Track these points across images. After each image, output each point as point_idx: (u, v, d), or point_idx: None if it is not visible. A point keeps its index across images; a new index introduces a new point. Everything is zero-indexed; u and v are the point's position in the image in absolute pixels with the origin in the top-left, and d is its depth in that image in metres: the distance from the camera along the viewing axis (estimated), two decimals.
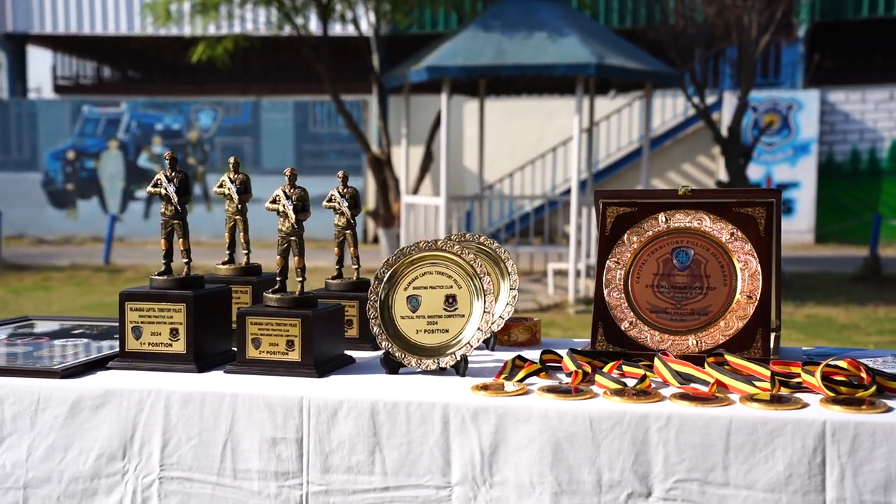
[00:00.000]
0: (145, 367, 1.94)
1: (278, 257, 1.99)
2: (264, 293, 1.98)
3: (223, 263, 2.28)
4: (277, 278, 1.99)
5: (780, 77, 17.16)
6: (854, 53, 17.85)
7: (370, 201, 17.67)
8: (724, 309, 1.97)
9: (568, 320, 9.05)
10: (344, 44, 16.39)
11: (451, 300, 1.95)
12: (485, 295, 1.93)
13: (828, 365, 1.69)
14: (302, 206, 1.97)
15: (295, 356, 1.90)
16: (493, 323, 1.96)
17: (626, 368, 1.87)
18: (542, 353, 1.99)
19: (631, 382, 1.79)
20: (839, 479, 1.52)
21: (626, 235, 2.07)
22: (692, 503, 1.58)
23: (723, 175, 15.38)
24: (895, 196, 16.75)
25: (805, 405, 1.60)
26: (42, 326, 2.42)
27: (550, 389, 1.74)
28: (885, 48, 17.83)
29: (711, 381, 1.74)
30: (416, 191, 12.38)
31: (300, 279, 1.98)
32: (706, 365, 1.79)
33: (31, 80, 23.69)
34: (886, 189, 16.74)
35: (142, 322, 1.95)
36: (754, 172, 15.67)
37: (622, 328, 2.02)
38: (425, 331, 1.95)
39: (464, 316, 1.94)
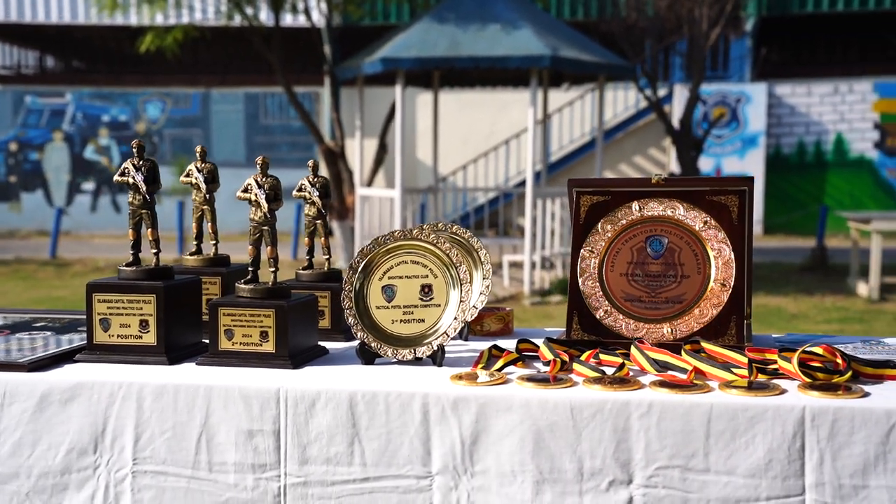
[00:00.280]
0: (114, 360, 1.90)
1: (250, 247, 1.96)
2: (236, 284, 1.95)
3: (191, 254, 2.24)
4: (250, 268, 1.96)
5: (728, 70, 17.39)
6: (800, 47, 18.15)
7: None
8: (698, 297, 1.98)
9: (524, 312, 9.08)
10: (295, 35, 16.24)
11: (426, 290, 1.93)
12: (461, 284, 1.92)
13: (804, 351, 1.71)
14: (274, 195, 1.94)
15: (269, 347, 1.87)
16: (468, 312, 1.95)
17: (602, 357, 1.87)
18: (518, 343, 1.99)
19: (608, 371, 1.79)
20: (818, 464, 1.53)
21: (599, 224, 2.07)
22: (673, 490, 1.59)
23: (674, 167, 15.55)
24: (839, 188, 17.09)
25: (783, 391, 1.61)
26: (3, 319, 2.36)
27: (530, 378, 1.73)
28: (830, 42, 18.16)
29: (689, 368, 1.75)
30: (370, 183, 12.33)
31: (273, 269, 1.95)
32: (683, 352, 1.80)
33: None
34: (831, 181, 17.08)
35: (110, 314, 1.91)
36: (704, 164, 15.86)
37: (597, 317, 2.02)
38: (401, 321, 1.93)
39: (440, 305, 1.93)
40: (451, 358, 1.97)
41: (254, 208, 1.95)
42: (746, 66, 17.23)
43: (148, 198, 1.95)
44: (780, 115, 16.95)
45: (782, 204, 17.00)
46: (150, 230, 1.97)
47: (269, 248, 1.95)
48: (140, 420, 1.75)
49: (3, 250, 15.06)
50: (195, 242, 2.24)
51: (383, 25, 16.45)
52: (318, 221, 2.20)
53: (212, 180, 2.21)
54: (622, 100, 16.76)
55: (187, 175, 2.21)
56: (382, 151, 12.23)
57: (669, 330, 1.97)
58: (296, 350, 1.90)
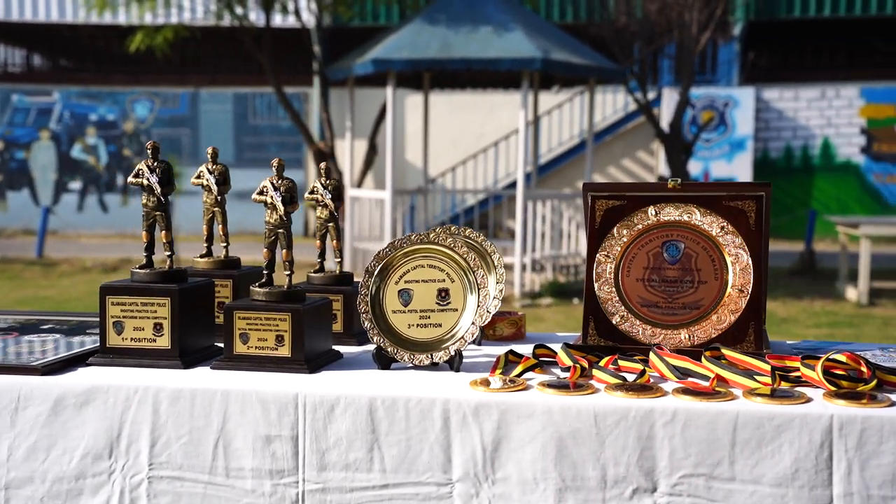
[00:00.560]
0: (128, 364, 1.87)
1: (265, 250, 1.94)
2: (251, 287, 1.93)
3: (201, 256, 2.21)
4: (265, 271, 1.94)
5: (716, 74, 17.44)
6: (787, 52, 18.23)
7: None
8: (715, 303, 1.97)
9: None
10: (284, 35, 16.19)
11: (443, 294, 1.92)
12: (479, 289, 1.90)
13: (827, 359, 1.70)
14: (290, 197, 1.93)
15: (285, 351, 1.85)
16: (484, 317, 1.93)
17: (622, 363, 1.86)
18: (535, 348, 1.97)
19: (628, 377, 1.78)
20: (846, 474, 1.52)
21: (615, 229, 2.06)
22: (698, 498, 1.58)
23: (663, 170, 15.59)
24: (826, 192, 17.17)
25: (809, 399, 1.60)
26: (6, 321, 2.33)
27: (551, 385, 1.72)
28: (817, 47, 18.24)
29: (709, 375, 1.74)
30: (359, 184, 12.29)
31: (288, 272, 1.93)
32: (703, 359, 1.79)
33: None
34: (818, 185, 17.15)
35: (124, 317, 1.89)
36: (692, 168, 15.90)
37: (613, 322, 2.01)
38: (418, 325, 1.91)
39: (457, 310, 1.91)
40: (466, 363, 1.95)
41: (269, 211, 1.93)
42: (734, 71, 17.29)
43: (162, 199, 1.93)
44: (768, 119, 17.02)
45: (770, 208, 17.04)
46: (163, 232, 1.95)
47: (284, 250, 1.93)
48: (156, 425, 1.73)
49: None
50: (206, 245, 2.22)
51: (373, 27, 16.42)
52: (330, 224, 2.18)
53: (223, 182, 2.18)
54: (611, 103, 16.79)
55: (198, 177, 2.18)
56: (372, 153, 12.20)
57: (687, 336, 1.96)
58: (311, 354, 1.88)
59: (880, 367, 1.69)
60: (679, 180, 2.04)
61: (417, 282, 1.92)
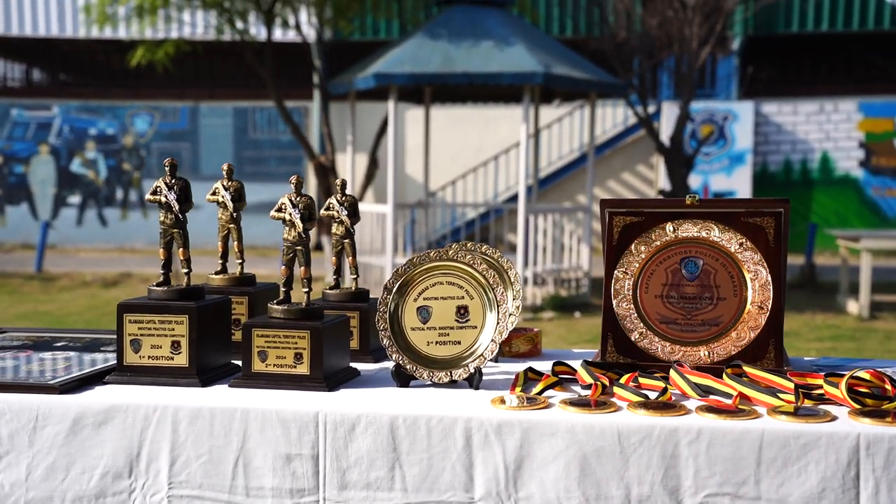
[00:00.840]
0: (145, 382, 1.86)
1: (283, 267, 1.94)
2: (269, 304, 1.92)
3: (216, 273, 2.20)
4: (283, 289, 1.93)
5: (715, 88, 17.49)
6: (786, 67, 18.28)
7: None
8: (735, 319, 1.97)
9: None
10: (284, 49, 16.23)
11: (462, 311, 1.91)
12: (498, 306, 1.89)
13: (851, 377, 1.69)
14: (309, 214, 1.92)
15: (303, 369, 1.84)
16: (504, 334, 1.92)
17: (642, 380, 1.85)
18: (554, 365, 1.96)
19: (649, 394, 1.77)
20: (873, 493, 1.51)
21: (633, 245, 2.05)
22: None
23: (662, 184, 15.61)
24: (825, 206, 17.18)
25: (834, 418, 1.60)
26: (18, 339, 2.31)
27: (573, 403, 1.71)
28: (815, 62, 18.30)
29: (731, 392, 1.73)
30: (360, 198, 12.29)
31: (306, 290, 1.92)
32: (724, 376, 1.78)
33: None
34: (817, 199, 17.16)
35: (141, 335, 1.88)
36: (692, 182, 15.92)
37: (632, 339, 2.00)
38: (437, 342, 1.90)
39: (476, 327, 1.90)
40: (485, 380, 1.94)
41: (288, 228, 1.92)
42: (733, 85, 17.33)
43: (181, 217, 1.92)
44: (767, 133, 17.05)
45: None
46: (181, 249, 1.94)
47: (302, 267, 1.92)
48: (175, 443, 1.72)
49: None
50: (220, 261, 2.21)
51: (373, 41, 16.46)
52: (346, 241, 2.18)
53: (238, 198, 2.18)
54: (610, 117, 16.81)
55: (214, 193, 2.17)
56: (373, 167, 12.21)
57: (707, 353, 1.95)
58: (330, 372, 1.87)
59: None
60: (697, 197, 2.03)
61: (436, 299, 1.91)
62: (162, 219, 1.94)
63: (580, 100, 12.91)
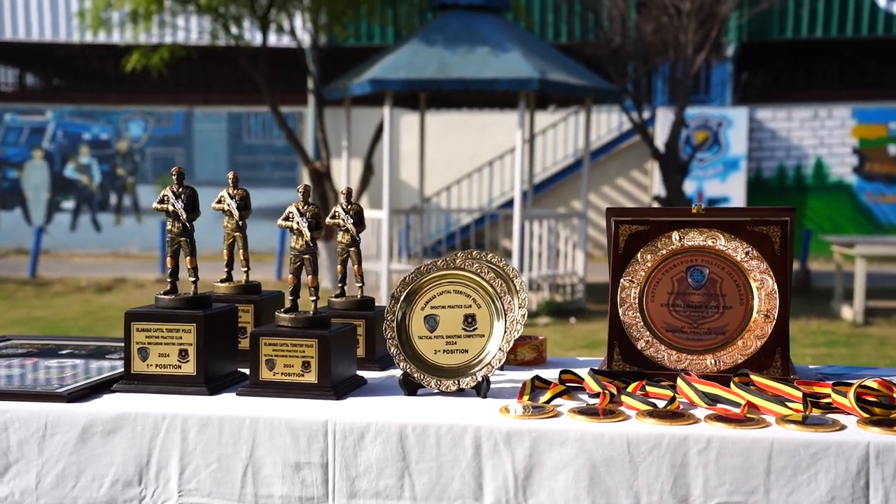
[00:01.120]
0: (153, 390, 1.86)
1: (290, 276, 1.94)
2: (276, 313, 1.92)
3: (222, 281, 2.20)
4: (290, 297, 1.93)
5: (710, 94, 17.54)
6: (780, 73, 18.34)
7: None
8: (741, 328, 1.97)
9: None
10: (278, 54, 16.24)
11: (470, 320, 1.91)
12: (505, 314, 1.90)
13: (859, 385, 1.70)
14: (316, 223, 1.92)
15: (311, 378, 1.84)
16: (511, 343, 1.92)
17: (650, 389, 1.86)
18: (561, 373, 1.97)
19: (657, 403, 1.77)
20: (883, 503, 1.52)
21: (639, 253, 2.06)
22: None
23: (657, 190, 15.64)
24: (819, 212, 17.23)
25: (843, 427, 1.60)
26: (23, 347, 2.31)
27: (582, 411, 1.71)
28: (809, 68, 18.37)
29: (739, 401, 1.74)
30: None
31: (314, 298, 1.93)
32: (732, 385, 1.79)
33: None
34: (811, 205, 17.21)
35: (149, 343, 1.88)
36: (686, 187, 15.95)
37: (638, 347, 2.01)
38: (444, 351, 1.91)
39: (483, 336, 1.91)
40: (491, 389, 1.94)
41: (295, 237, 1.92)
42: (728, 91, 17.39)
43: (188, 225, 1.92)
44: (761, 139, 17.10)
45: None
46: (188, 258, 1.94)
47: (310, 276, 1.92)
48: (185, 452, 1.72)
49: None
50: (226, 269, 2.21)
51: (367, 46, 16.47)
52: (352, 249, 2.18)
53: (244, 207, 2.18)
54: (605, 123, 16.85)
55: (219, 201, 2.18)
56: (368, 172, 12.21)
57: (713, 361, 1.96)
58: (338, 380, 1.87)
59: None
60: (703, 205, 2.04)
61: (444, 307, 1.92)
62: (169, 227, 1.94)
63: (575, 105, 12.94)
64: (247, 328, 2.12)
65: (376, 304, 2.22)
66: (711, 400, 1.78)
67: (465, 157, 16.85)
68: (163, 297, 1.92)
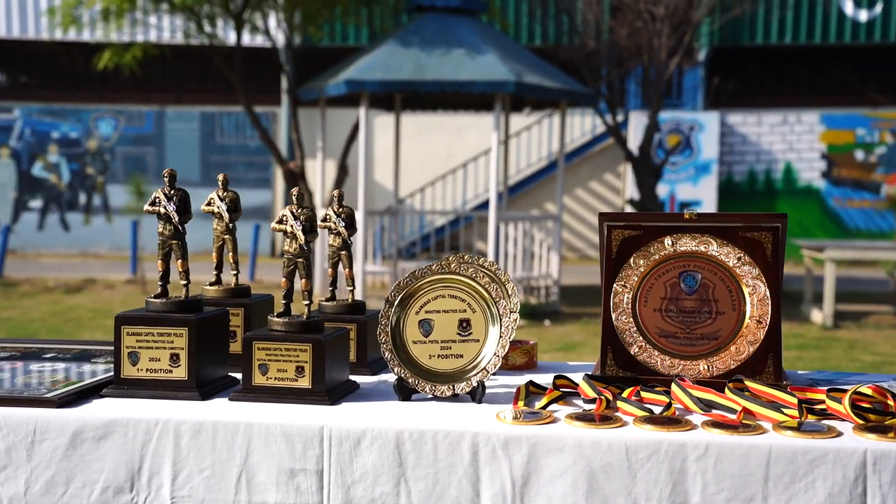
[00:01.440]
0: (144, 395, 1.83)
1: (284, 280, 1.92)
2: (269, 317, 1.90)
3: (211, 284, 2.18)
4: (283, 301, 1.91)
5: (682, 99, 17.66)
6: (750, 78, 18.51)
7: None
8: (733, 334, 1.98)
9: None
10: (251, 54, 16.15)
11: (465, 324, 1.90)
12: (500, 319, 1.89)
13: (854, 392, 1.71)
14: (310, 226, 1.90)
15: (305, 383, 1.83)
16: (506, 348, 1.92)
17: (644, 394, 1.86)
18: (556, 379, 1.96)
19: (653, 409, 1.77)
20: None
21: (632, 259, 2.06)
22: None
23: (629, 193, 15.72)
24: (788, 216, 17.38)
25: (839, 433, 1.61)
26: (5, 350, 2.27)
27: (579, 417, 1.71)
28: (779, 74, 18.55)
29: (734, 407, 1.74)
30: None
31: (307, 302, 1.91)
32: (727, 391, 1.79)
33: None
34: (781, 208, 17.36)
35: (139, 347, 1.85)
36: (658, 191, 16.05)
37: (632, 353, 2.01)
38: (438, 356, 1.90)
39: (479, 341, 1.90)
40: (486, 394, 1.93)
41: (289, 240, 1.90)
42: (699, 95, 17.52)
43: (180, 228, 1.90)
44: (732, 143, 17.24)
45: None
46: (179, 261, 1.92)
47: (303, 280, 1.90)
48: (178, 458, 1.70)
49: None
50: (215, 272, 2.19)
51: (342, 47, 16.42)
52: (343, 252, 2.16)
53: (234, 209, 2.16)
54: (578, 126, 16.91)
55: (209, 204, 2.15)
56: (343, 173, 12.16)
57: (706, 367, 1.96)
58: (332, 385, 1.85)
59: None
60: (696, 211, 2.05)
61: (438, 312, 1.91)
62: (160, 230, 1.91)
63: (550, 108, 12.97)
64: (237, 332, 2.10)
65: None
66: (706, 406, 1.78)
67: (439, 158, 16.85)
68: (154, 300, 1.90)
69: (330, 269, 2.19)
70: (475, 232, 12.23)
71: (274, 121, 17.17)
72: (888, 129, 17.11)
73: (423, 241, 14.59)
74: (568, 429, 1.66)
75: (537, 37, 17.52)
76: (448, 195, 16.22)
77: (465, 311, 1.90)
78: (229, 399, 1.84)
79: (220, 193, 2.16)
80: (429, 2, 10.76)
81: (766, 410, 1.70)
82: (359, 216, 10.43)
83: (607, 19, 13.58)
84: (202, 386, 1.85)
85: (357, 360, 2.12)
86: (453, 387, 1.86)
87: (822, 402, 1.76)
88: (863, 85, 17.69)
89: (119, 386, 1.85)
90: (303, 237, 1.89)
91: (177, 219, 1.90)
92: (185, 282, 1.93)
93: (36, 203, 18.21)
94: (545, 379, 2.04)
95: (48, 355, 2.20)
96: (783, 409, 1.70)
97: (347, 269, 2.16)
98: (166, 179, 1.92)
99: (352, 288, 2.17)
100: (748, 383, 1.83)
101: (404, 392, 1.88)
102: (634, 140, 15.27)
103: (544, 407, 1.80)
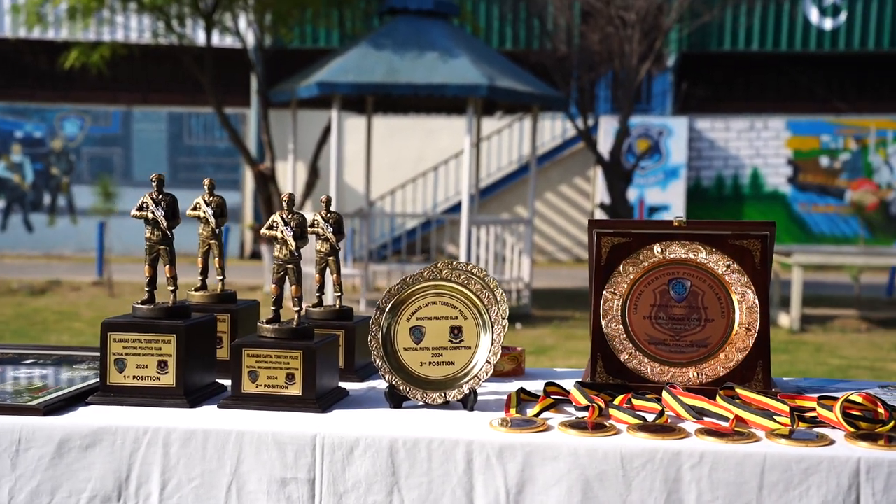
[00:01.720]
0: (131, 402, 1.80)
1: (273, 286, 1.90)
2: (258, 323, 1.88)
3: (196, 290, 2.15)
4: (272, 307, 1.89)
5: (651, 104, 17.78)
6: (718, 84, 18.68)
7: (248, 216, 17.30)
8: (723, 341, 1.99)
9: None
10: (220, 55, 16.03)
11: (456, 331, 1.89)
12: (492, 326, 1.88)
13: (845, 400, 1.72)
14: (301, 232, 1.89)
15: (295, 390, 1.81)
16: (498, 355, 1.91)
17: (636, 402, 1.86)
18: (546, 386, 1.96)
19: (646, 417, 1.77)
20: None
21: (621, 266, 2.06)
22: None
23: (599, 197, 15.80)
24: (755, 220, 17.58)
25: (832, 442, 1.62)
26: None
27: (572, 425, 1.70)
28: (746, 80, 18.74)
29: (726, 415, 1.74)
30: (301, 207, 12.18)
31: (297, 308, 1.89)
32: (718, 398, 1.80)
33: None
34: (748, 213, 17.55)
35: (126, 354, 1.82)
36: (628, 195, 16.15)
37: (622, 360, 2.01)
38: (430, 363, 1.88)
39: (470, 348, 1.89)
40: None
41: (279, 246, 1.88)
42: (668, 101, 17.65)
43: (168, 233, 1.87)
44: (701, 148, 17.39)
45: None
46: (167, 267, 1.89)
47: (293, 286, 1.88)
48: (167, 467, 1.67)
49: None
50: (200, 277, 2.16)
51: (312, 49, 16.35)
52: (331, 258, 2.14)
53: (220, 214, 2.13)
54: (548, 130, 16.97)
55: (195, 208, 2.13)
56: (314, 176, 12.11)
57: (696, 374, 1.97)
58: (322, 392, 1.83)
59: (895, 408, 1.71)
60: (684, 218, 2.05)
61: (430, 319, 1.89)
62: (148, 235, 1.88)
63: (521, 112, 13.00)
64: (223, 338, 2.08)
65: None
66: (698, 413, 1.78)
67: (410, 161, 16.84)
68: (140, 306, 1.87)
69: (317, 275, 2.17)
70: (447, 235, 12.23)
71: (243, 122, 17.06)
72: (852, 135, 17.34)
73: (395, 244, 14.56)
74: (563, 437, 1.66)
75: (508, 41, 17.57)
76: (419, 198, 16.20)
77: (456, 317, 1.89)
78: (218, 406, 1.82)
79: (206, 198, 2.13)
80: (401, 4, 10.75)
81: (758, 418, 1.71)
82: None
83: (578, 23, 13.65)
84: (190, 393, 1.83)
85: (345, 367, 2.10)
86: (445, 394, 1.85)
87: (812, 409, 1.77)
88: (828, 92, 17.93)
89: (105, 393, 1.82)
90: (293, 243, 1.87)
91: (165, 224, 1.87)
92: (172, 288, 1.90)
93: None
94: (533, 385, 2.04)
95: (28, 361, 2.16)
96: (775, 417, 1.71)
97: (335, 275, 2.14)
98: (154, 184, 1.89)
99: (339, 294, 2.16)
100: (739, 391, 1.83)
101: (395, 399, 1.87)
102: (604, 144, 15.35)
103: (537, 415, 1.80)
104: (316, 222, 2.13)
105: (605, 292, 2.05)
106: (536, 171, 16.33)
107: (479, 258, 10.65)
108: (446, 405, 1.86)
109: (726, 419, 1.73)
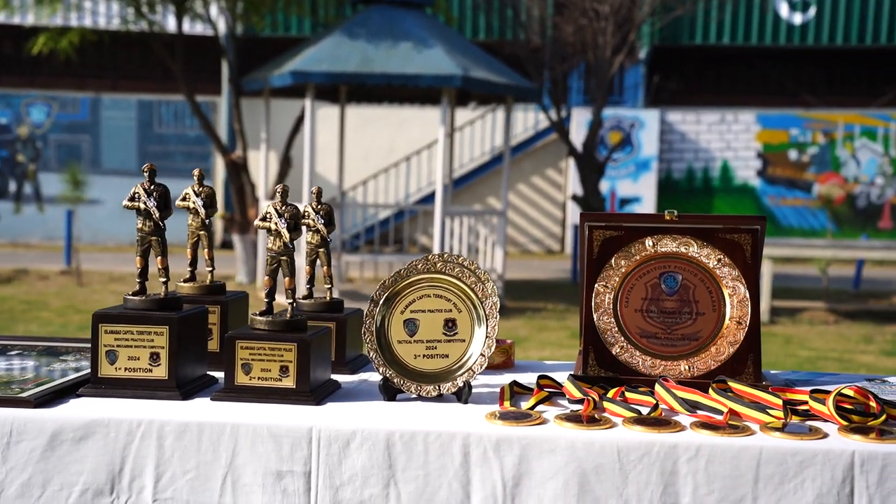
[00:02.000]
0: (123, 395, 1.78)
1: (266, 277, 1.89)
2: (251, 315, 1.87)
3: (185, 281, 2.13)
4: (265, 299, 1.88)
5: (623, 96, 17.86)
6: (689, 77, 18.79)
7: (219, 205, 17.18)
8: (714, 334, 2.00)
9: None
10: (191, 42, 15.87)
11: (450, 324, 1.89)
12: (486, 319, 1.88)
13: (838, 393, 1.74)
14: (295, 224, 1.87)
15: (289, 382, 1.80)
16: (492, 348, 1.91)
17: (629, 395, 1.86)
18: (539, 379, 1.96)
19: (640, 410, 1.78)
20: None
21: (613, 259, 2.07)
22: None
23: (572, 188, 15.85)
24: (725, 213, 17.71)
25: (825, 435, 1.63)
26: None
27: (568, 418, 1.71)
28: (717, 73, 18.87)
29: (719, 408, 1.76)
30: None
31: (290, 300, 1.88)
32: (711, 391, 1.81)
33: None
34: (718, 206, 17.70)
35: (118, 346, 1.80)
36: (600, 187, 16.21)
37: (613, 353, 2.01)
38: (424, 356, 1.88)
39: (464, 340, 1.89)
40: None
41: (273, 238, 1.87)
42: (640, 93, 17.73)
43: (160, 224, 1.85)
44: (672, 140, 17.49)
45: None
46: (159, 258, 1.87)
47: (287, 278, 1.87)
48: (161, 459, 1.65)
49: None
50: (189, 269, 2.14)
51: (284, 37, 16.25)
52: (321, 249, 2.13)
53: (210, 205, 2.11)
54: (521, 121, 16.99)
55: (184, 199, 2.10)
56: (286, 165, 12.04)
57: (687, 367, 1.98)
58: (316, 385, 1.83)
59: (886, 402, 1.73)
60: (675, 212, 2.06)
61: (424, 311, 1.89)
62: (140, 226, 1.86)
63: (494, 103, 13.00)
64: (212, 329, 2.06)
65: None
66: (692, 407, 1.79)
67: (381, 151, 16.79)
68: (132, 297, 1.85)
69: (307, 267, 2.15)
70: (419, 225, 12.21)
71: (214, 110, 16.91)
72: (820, 129, 17.52)
73: (367, 234, 14.52)
74: (559, 430, 1.66)
75: (482, 31, 17.55)
76: (391, 188, 16.17)
77: (450, 310, 1.89)
78: (211, 399, 1.80)
79: (196, 188, 2.11)
80: None
81: (751, 411, 1.72)
82: (303, 208, 10.34)
83: (552, 14, 13.66)
84: (183, 385, 1.81)
85: (336, 359, 2.09)
86: (439, 387, 1.85)
87: (804, 402, 1.79)
88: (797, 86, 18.10)
89: (96, 385, 1.80)
90: (287, 235, 1.85)
91: (157, 215, 1.85)
92: (164, 279, 1.88)
93: None
94: (525, 378, 2.04)
95: (13, 352, 2.13)
96: (768, 411, 1.72)
97: (325, 267, 2.13)
98: (146, 174, 1.87)
99: (329, 286, 2.15)
100: (731, 384, 1.85)
101: (389, 392, 1.86)
102: (577, 136, 15.40)
103: (532, 408, 1.80)
104: (307, 214, 2.12)
105: (596, 285, 2.06)
106: (510, 162, 16.39)
107: (453, 249, 10.65)
108: (440, 398, 1.86)
109: (720, 412, 1.75)
